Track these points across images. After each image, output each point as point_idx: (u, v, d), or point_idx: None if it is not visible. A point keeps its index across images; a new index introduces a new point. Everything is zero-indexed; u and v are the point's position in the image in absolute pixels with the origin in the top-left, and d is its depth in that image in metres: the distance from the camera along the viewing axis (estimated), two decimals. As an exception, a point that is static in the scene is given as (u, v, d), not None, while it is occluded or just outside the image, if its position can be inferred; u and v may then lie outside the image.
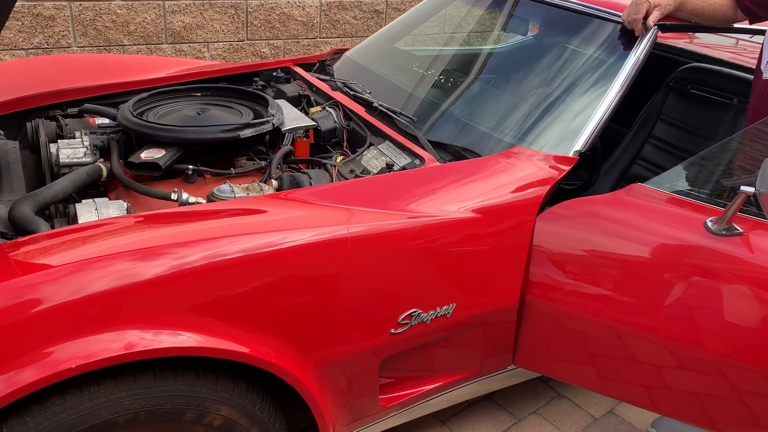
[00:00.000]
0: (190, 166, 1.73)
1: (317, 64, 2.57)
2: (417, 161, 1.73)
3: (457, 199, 1.57)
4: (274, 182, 1.66)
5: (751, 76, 2.30)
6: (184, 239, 1.24)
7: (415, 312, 1.45)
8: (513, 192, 1.62)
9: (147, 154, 1.70)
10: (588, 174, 2.10)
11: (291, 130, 1.91)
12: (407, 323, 1.45)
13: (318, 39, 3.64)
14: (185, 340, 1.19)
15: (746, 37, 3.20)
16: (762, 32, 2.07)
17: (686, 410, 1.59)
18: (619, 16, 1.88)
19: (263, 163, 1.83)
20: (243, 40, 3.43)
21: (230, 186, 1.57)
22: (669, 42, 3.01)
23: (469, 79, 2.12)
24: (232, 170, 1.77)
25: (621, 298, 1.54)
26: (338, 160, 1.79)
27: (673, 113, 2.48)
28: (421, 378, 1.67)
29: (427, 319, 1.48)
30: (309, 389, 1.32)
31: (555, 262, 1.60)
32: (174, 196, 1.58)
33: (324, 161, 1.78)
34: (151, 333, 1.17)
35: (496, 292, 1.58)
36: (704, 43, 3.23)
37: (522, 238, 1.60)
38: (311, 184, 1.65)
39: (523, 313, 1.66)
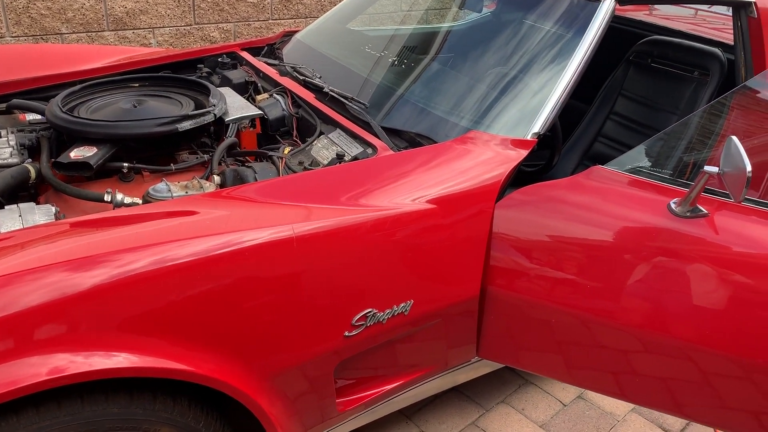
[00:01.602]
0: (125, 164, 1.61)
1: (266, 47, 2.45)
2: (369, 150, 1.63)
3: (412, 189, 1.49)
4: (216, 178, 1.56)
5: (711, 48, 2.26)
6: (110, 248, 1.13)
7: (370, 312, 1.37)
8: (470, 179, 1.54)
9: (77, 153, 1.57)
10: (549, 155, 2.03)
11: (235, 120, 1.80)
12: (362, 324, 1.37)
13: (270, 21, 3.49)
14: (120, 361, 1.09)
15: (705, 7, 3.16)
16: (720, 2, 2.01)
17: (654, 397, 1.54)
18: (576, -10, 1.80)
19: (206, 157, 1.72)
20: (190, 25, 3.27)
21: (167, 185, 1.46)
22: (629, 15, 2.95)
23: (423, 60, 2.03)
24: (172, 166, 1.65)
25: (584, 285, 1.48)
26: (286, 152, 1.69)
27: (634, 88, 2.42)
28: (383, 377, 1.60)
29: (384, 319, 1.40)
30: (257, 401, 1.23)
31: (515, 249, 1.53)
32: (107, 198, 1.47)
33: (270, 153, 1.68)
34: (81, 355, 1.07)
35: (456, 285, 1.51)
36: (664, 15, 3.18)
37: (481, 226, 1.53)
38: (256, 179, 1.54)
39: (485, 304, 1.60)
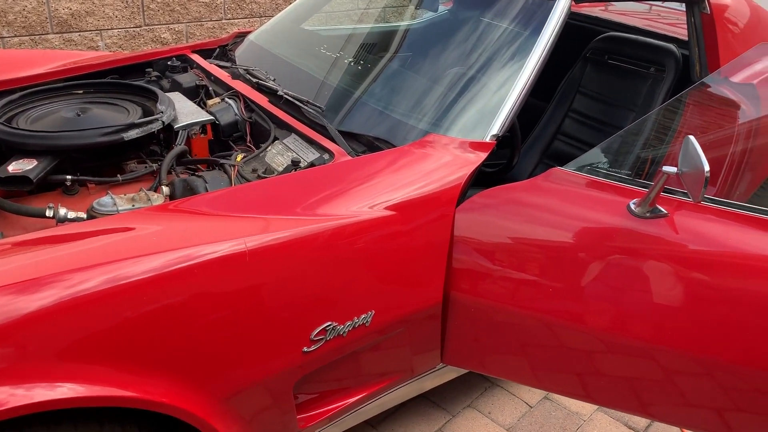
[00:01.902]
0: (69, 177, 1.53)
1: (217, 49, 2.37)
2: (326, 156, 1.58)
3: (370, 195, 1.44)
4: (165, 189, 1.49)
5: (666, 44, 2.27)
6: (51, 269, 1.06)
7: (329, 326, 1.33)
8: (430, 184, 1.50)
9: (15, 166, 1.48)
10: (509, 155, 2.01)
11: (185, 127, 1.73)
12: (322, 339, 1.32)
13: (223, 21, 3.40)
14: (64, 392, 1.02)
15: (659, 2, 3.19)
16: (674, -1, 2.02)
17: (619, 398, 1.53)
18: (532, -12, 1.78)
19: (155, 166, 1.64)
20: (140, 26, 3.16)
21: (112, 198, 1.39)
22: (586, 12, 2.96)
23: (380, 60, 1.99)
24: (119, 177, 1.58)
25: (546, 287, 1.46)
26: (238, 159, 1.63)
27: (591, 85, 2.42)
28: (346, 390, 1.55)
29: (344, 332, 1.36)
30: (211, 424, 1.17)
31: (477, 253, 1.50)
32: (49, 213, 1.39)
33: (222, 161, 1.61)
34: (23, 387, 1.00)
35: (418, 292, 1.47)
36: (620, 10, 3.20)
37: (442, 231, 1.49)
38: (207, 190, 1.48)
39: (449, 310, 1.57)
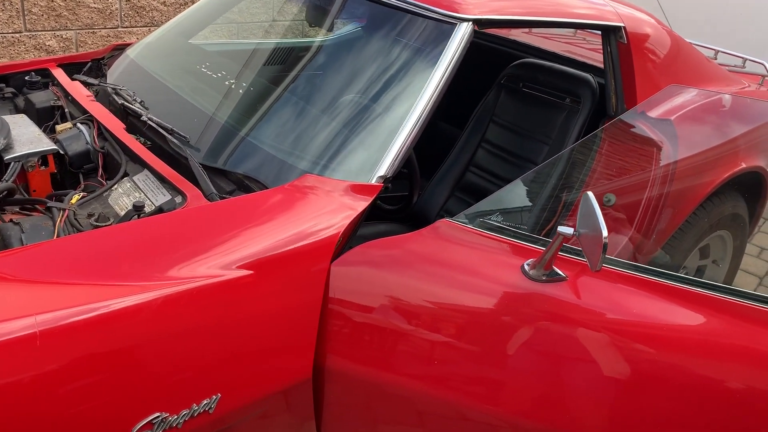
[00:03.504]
0: None
1: (89, 63, 2.09)
2: (178, 199, 1.34)
3: (224, 251, 1.20)
4: (-31, 241, 1.21)
5: (582, 73, 2.12)
6: None
7: (158, 418, 1.08)
8: (300, 236, 1.27)
9: None
10: (408, 192, 1.81)
11: (18, 158, 1.45)
12: (147, 433, 1.08)
13: (120, 29, 3.10)
14: None
15: (572, 29, 3.05)
16: (588, 27, 1.87)
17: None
18: (432, 11, 1.59)
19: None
20: (20, 32, 2.83)
21: None
22: (505, 35, 2.81)
23: (262, 85, 1.75)
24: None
25: (429, 360, 1.25)
26: (74, 201, 1.36)
27: (505, 114, 2.25)
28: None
29: (179, 423, 1.11)
30: None
31: (354, 318, 1.29)
32: None
33: (51, 204, 1.34)
34: None
35: (280, 366, 1.24)
36: (545, 33, 3.07)
37: (313, 291, 1.27)
38: (23, 242, 1.21)
39: (325, 382, 1.34)
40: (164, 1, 3.18)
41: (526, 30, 3.07)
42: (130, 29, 3.14)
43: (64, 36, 2.96)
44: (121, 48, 2.18)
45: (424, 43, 1.58)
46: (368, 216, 2.07)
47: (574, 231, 1.10)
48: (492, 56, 2.69)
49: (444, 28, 1.57)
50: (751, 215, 2.38)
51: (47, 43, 2.93)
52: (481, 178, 2.24)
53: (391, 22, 1.65)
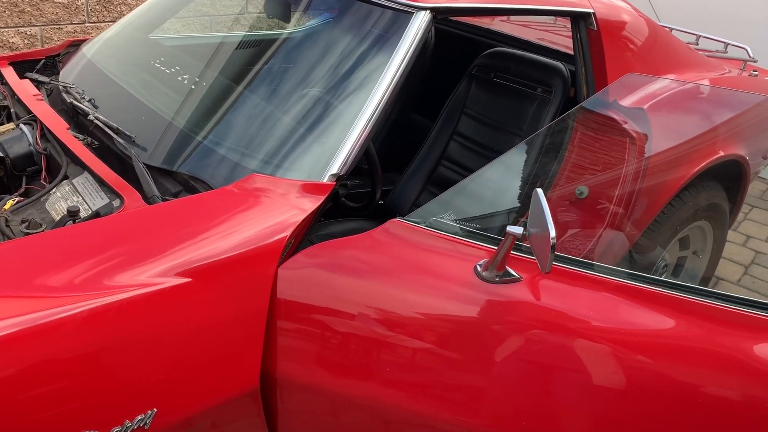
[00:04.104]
0: None
1: (43, 60, 2.02)
2: (116, 202, 1.28)
3: (160, 258, 1.14)
4: None
5: (554, 62, 2.05)
6: None
7: (85, 436, 1.02)
8: (243, 240, 1.21)
9: None
10: (371, 188, 1.75)
11: (-47, 163, 1.39)
12: (74, 453, 1.02)
13: (87, 24, 3.02)
14: None
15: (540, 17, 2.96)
16: (556, 14, 1.80)
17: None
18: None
19: None
20: (-18, 28, 2.76)
21: None
22: (480, 23, 2.74)
23: (216, 80, 1.69)
24: None
25: (381, 365, 1.20)
26: (7, 207, 1.30)
27: (476, 106, 2.19)
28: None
29: (110, 440, 1.05)
30: None
31: (302, 324, 1.23)
32: None
33: (-18, 210, 1.28)
34: None
35: (224, 376, 1.18)
36: (522, 21, 2.99)
37: (257, 299, 1.21)
38: (-53, 251, 1.15)
39: (275, 396, 1.28)
40: (133, -4, 3.10)
41: (504, 18, 3.00)
42: (98, 24, 3.07)
43: (28, 33, 2.88)
44: (77, 44, 2.10)
45: (379, 33, 1.51)
46: (337, 214, 2.02)
47: (524, 230, 1.04)
48: (466, 45, 2.62)
49: (400, 17, 1.50)
50: (732, 204, 2.32)
51: (11, 41, 2.85)
52: (454, 172, 2.18)
53: (345, 12, 1.58)
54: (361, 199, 1.95)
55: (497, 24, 2.82)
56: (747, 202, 3.61)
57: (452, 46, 2.67)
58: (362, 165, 1.74)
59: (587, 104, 1.74)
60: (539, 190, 1.02)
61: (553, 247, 0.96)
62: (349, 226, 1.94)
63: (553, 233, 0.95)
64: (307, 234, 1.34)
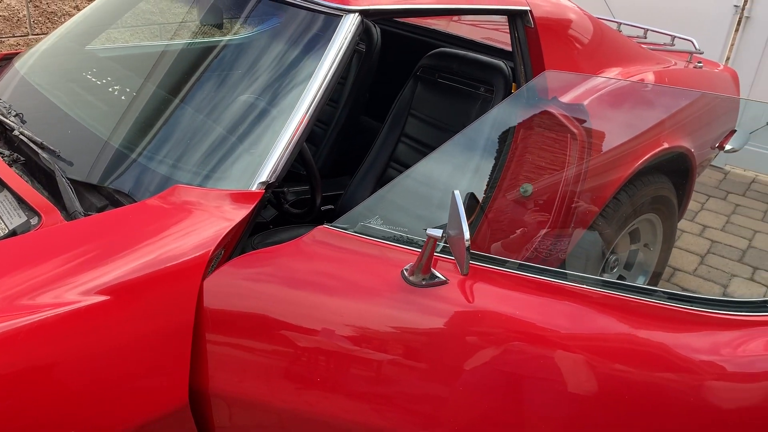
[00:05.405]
0: None
1: (-27, 75, 1.96)
2: (34, 220, 1.24)
3: (78, 276, 1.11)
4: None
5: (495, 60, 2.05)
6: None
7: (-6, 465, 0.98)
8: (165, 254, 1.18)
9: None
10: (310, 195, 1.73)
11: None
12: (-16, 483, 0.98)
13: (31, 37, 2.95)
14: None
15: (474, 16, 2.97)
16: (492, 12, 1.79)
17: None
18: (316, 2, 1.50)
19: None
20: None
21: None
22: (428, 24, 2.73)
23: (141, 90, 1.65)
24: None
25: (312, 379, 1.17)
26: None
27: (423, 107, 2.18)
28: None
29: (23, 468, 1.02)
30: None
31: (229, 337, 1.20)
32: None
33: None
34: None
35: (149, 396, 1.15)
36: (473, 20, 2.99)
37: (182, 313, 1.18)
38: None
39: (208, 412, 1.25)
40: (77, 5, 3.04)
41: (456, 18, 3.00)
42: (42, 36, 3.00)
43: (-32, 47, 2.81)
44: (9, 57, 2.05)
45: (309, 37, 1.49)
46: (285, 221, 1.99)
47: (443, 232, 1.02)
48: (414, 46, 2.62)
49: (329, 20, 1.48)
50: (680, 196, 2.34)
51: (-50, 56, 2.77)
52: (402, 174, 2.16)
53: (275, 18, 1.56)
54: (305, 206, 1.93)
55: (452, 26, 2.81)
56: (703, 192, 3.66)
57: (400, 47, 2.66)
58: (301, 171, 1.71)
59: (509, 101, 1.74)
60: (456, 192, 1.01)
61: (468, 249, 0.95)
62: (298, 232, 1.91)
63: (467, 235, 0.94)
64: (240, 243, 1.31)
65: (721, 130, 2.52)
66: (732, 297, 2.71)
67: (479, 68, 2.06)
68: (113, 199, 1.35)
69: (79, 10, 3.06)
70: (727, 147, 2.51)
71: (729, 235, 3.20)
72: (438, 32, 2.59)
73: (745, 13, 3.88)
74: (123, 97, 1.63)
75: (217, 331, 1.20)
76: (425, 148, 2.13)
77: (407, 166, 2.17)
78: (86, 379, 1.07)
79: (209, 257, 1.21)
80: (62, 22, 3.04)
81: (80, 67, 1.83)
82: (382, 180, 2.23)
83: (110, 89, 1.67)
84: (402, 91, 2.23)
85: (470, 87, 2.07)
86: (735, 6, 3.89)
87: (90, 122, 1.54)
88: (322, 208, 2.18)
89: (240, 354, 1.21)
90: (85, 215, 1.28)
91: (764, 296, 2.32)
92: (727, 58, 4.01)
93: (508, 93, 1.98)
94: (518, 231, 1.80)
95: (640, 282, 2.40)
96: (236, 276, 1.21)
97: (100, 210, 1.33)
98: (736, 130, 2.60)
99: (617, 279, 2.26)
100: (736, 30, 3.93)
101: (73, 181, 1.37)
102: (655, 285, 2.47)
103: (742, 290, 2.77)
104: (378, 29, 2.37)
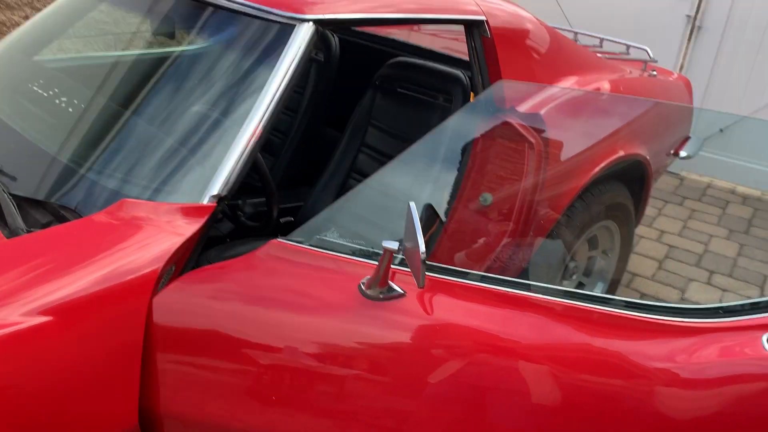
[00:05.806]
0: None
1: None
2: (-27, 238, 1.18)
3: (18, 296, 1.06)
4: None
5: (453, 70, 2.05)
6: None
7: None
8: (111, 272, 1.13)
9: None
10: (267, 207, 1.69)
11: None
12: None
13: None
14: None
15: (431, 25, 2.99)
16: (448, 22, 1.79)
17: None
18: (269, 12, 1.47)
19: None
20: None
21: None
22: (387, 34, 2.73)
23: (88, 102, 1.60)
24: None
25: (270, 397, 1.14)
26: None
27: (382, 117, 2.17)
28: None
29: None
30: None
31: (179, 356, 1.16)
32: None
33: None
34: None
35: (96, 418, 1.10)
36: (433, 30, 3.00)
37: (130, 332, 1.13)
38: None
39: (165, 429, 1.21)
40: (26, 16, 2.95)
41: (416, 28, 3.00)
42: (-10, 47, 2.90)
43: None
44: (-47, 69, 1.97)
45: (261, 47, 1.46)
46: (243, 234, 1.94)
47: (400, 245, 1.01)
48: (374, 55, 2.61)
49: (282, 30, 1.46)
50: (637, 203, 2.37)
51: None
52: (362, 185, 2.15)
53: (228, 27, 1.53)
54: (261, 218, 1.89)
55: (413, 36, 2.81)
56: (660, 198, 3.73)
57: (359, 56, 2.65)
58: (256, 183, 1.68)
59: (465, 111, 1.74)
60: (412, 204, 1.00)
61: (424, 261, 0.93)
62: (255, 245, 1.88)
63: (422, 247, 0.93)
64: (192, 258, 1.27)
65: (675, 138, 2.56)
66: (687, 304, 2.75)
67: (438, 78, 2.06)
68: (58, 215, 1.30)
69: (27, 19, 2.97)
70: (682, 154, 2.56)
71: (686, 240, 3.26)
72: (397, 41, 2.59)
73: (697, 23, 3.98)
74: (70, 109, 1.58)
75: (167, 350, 1.16)
76: (386, 158, 2.12)
77: (368, 176, 2.15)
78: (28, 404, 1.02)
79: (158, 274, 1.17)
80: (9, 33, 2.95)
81: (27, 79, 1.77)
82: (343, 191, 2.20)
83: (57, 101, 1.61)
84: (361, 101, 2.21)
85: (429, 96, 2.07)
86: (687, 15, 3.99)
87: (34, 135, 1.48)
88: (282, 220, 2.14)
89: (193, 373, 1.17)
90: (28, 232, 1.22)
91: (718, 302, 2.37)
92: (681, 67, 4.10)
93: (466, 102, 1.98)
94: (479, 240, 1.80)
95: (599, 288, 2.42)
96: (187, 292, 1.18)
97: (45, 226, 1.28)
98: (690, 137, 2.65)
99: (576, 286, 2.28)
100: (689, 39, 4.03)
101: (15, 197, 1.32)
102: (614, 291, 2.49)
103: (700, 294, 2.82)
104: (336, 38, 2.36)
